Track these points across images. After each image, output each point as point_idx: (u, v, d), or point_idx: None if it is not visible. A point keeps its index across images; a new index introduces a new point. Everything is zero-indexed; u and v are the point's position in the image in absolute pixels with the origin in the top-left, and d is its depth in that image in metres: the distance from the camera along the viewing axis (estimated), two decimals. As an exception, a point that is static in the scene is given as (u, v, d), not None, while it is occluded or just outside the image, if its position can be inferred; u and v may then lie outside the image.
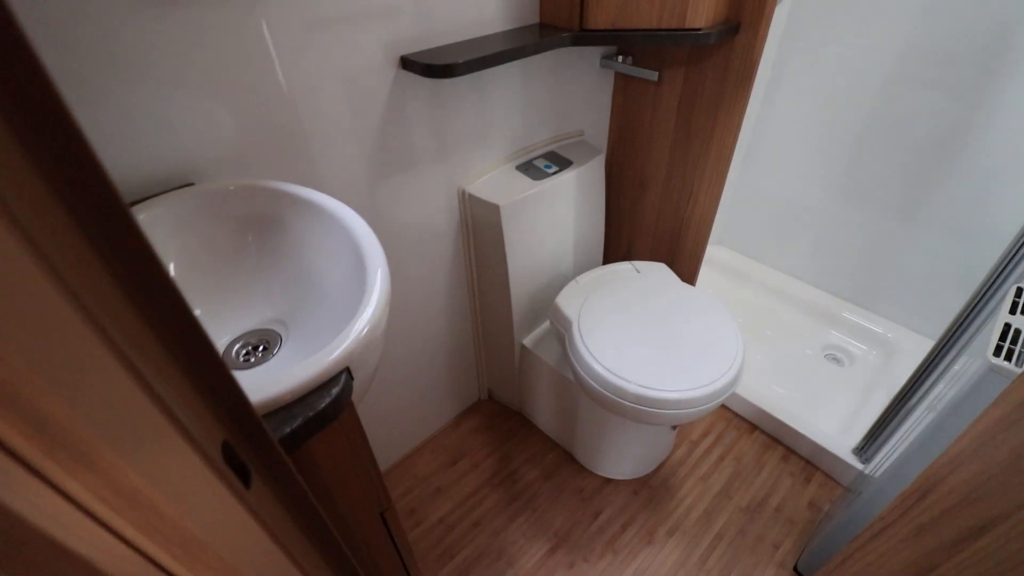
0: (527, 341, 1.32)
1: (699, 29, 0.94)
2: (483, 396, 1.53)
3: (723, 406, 1.49)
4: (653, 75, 1.15)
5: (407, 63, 0.85)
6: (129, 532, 0.24)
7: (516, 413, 1.49)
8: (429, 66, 0.82)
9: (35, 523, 0.23)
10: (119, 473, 0.22)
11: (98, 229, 0.18)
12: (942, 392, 0.95)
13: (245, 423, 0.26)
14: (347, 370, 0.41)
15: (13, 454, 0.20)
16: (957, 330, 0.96)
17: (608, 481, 1.31)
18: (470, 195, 1.08)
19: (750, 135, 1.69)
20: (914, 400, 1.09)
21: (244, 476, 0.26)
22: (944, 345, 0.99)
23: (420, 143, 0.96)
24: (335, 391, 0.38)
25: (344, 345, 0.41)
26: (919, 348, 1.51)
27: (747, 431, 1.42)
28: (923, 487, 0.55)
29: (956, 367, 0.97)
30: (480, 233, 1.14)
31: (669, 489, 1.29)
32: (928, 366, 1.04)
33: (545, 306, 1.33)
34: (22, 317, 0.18)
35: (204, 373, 0.23)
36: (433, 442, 1.41)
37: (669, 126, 1.21)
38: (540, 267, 1.24)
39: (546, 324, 1.37)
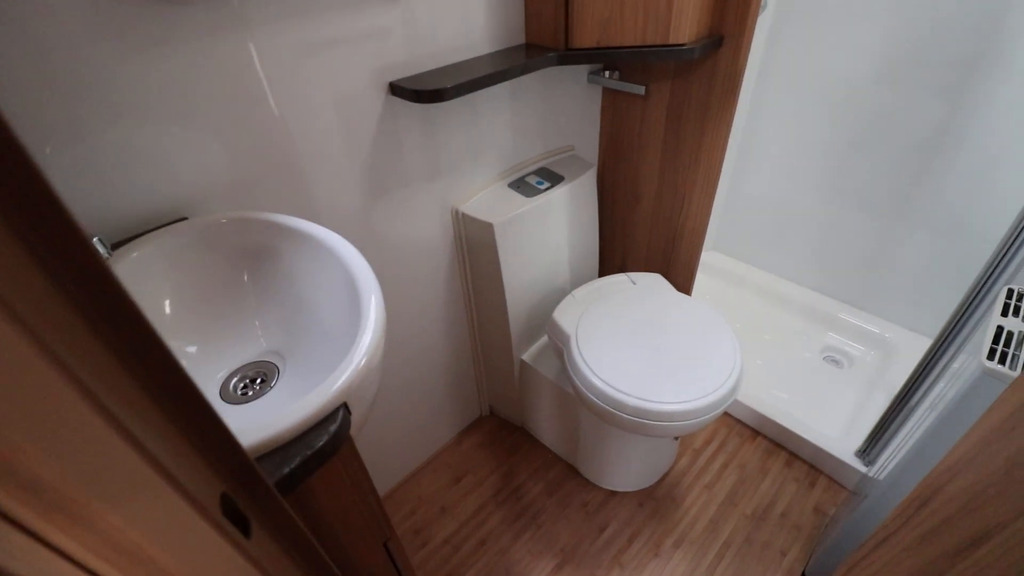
0: (526, 356, 1.32)
1: (683, 44, 0.95)
2: (484, 412, 1.53)
3: (725, 413, 1.49)
4: (640, 89, 1.16)
5: (396, 89, 0.86)
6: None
7: (518, 428, 1.49)
8: (418, 92, 0.83)
9: (36, 586, 0.23)
10: (118, 532, 0.23)
11: (76, 287, 0.18)
12: (943, 391, 0.95)
13: (241, 471, 0.26)
14: (344, 405, 0.41)
15: (12, 520, 0.21)
16: (951, 332, 0.97)
17: (613, 494, 1.31)
18: (463, 214, 1.09)
19: (739, 141, 1.71)
20: (914, 400, 1.10)
21: (244, 526, 0.26)
22: (940, 347, 1.00)
23: (412, 165, 0.97)
24: (333, 428, 0.39)
25: (341, 381, 0.41)
26: (918, 347, 1.52)
27: (749, 437, 1.42)
28: (923, 495, 0.55)
29: (956, 365, 0.98)
30: (475, 251, 1.15)
31: (674, 499, 1.29)
32: (925, 367, 1.04)
33: (542, 321, 1.34)
34: (10, 387, 0.18)
35: (198, 426, 0.23)
36: (436, 461, 1.41)
37: (658, 138, 1.22)
38: (536, 282, 1.25)
39: (545, 338, 1.37)
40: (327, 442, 0.38)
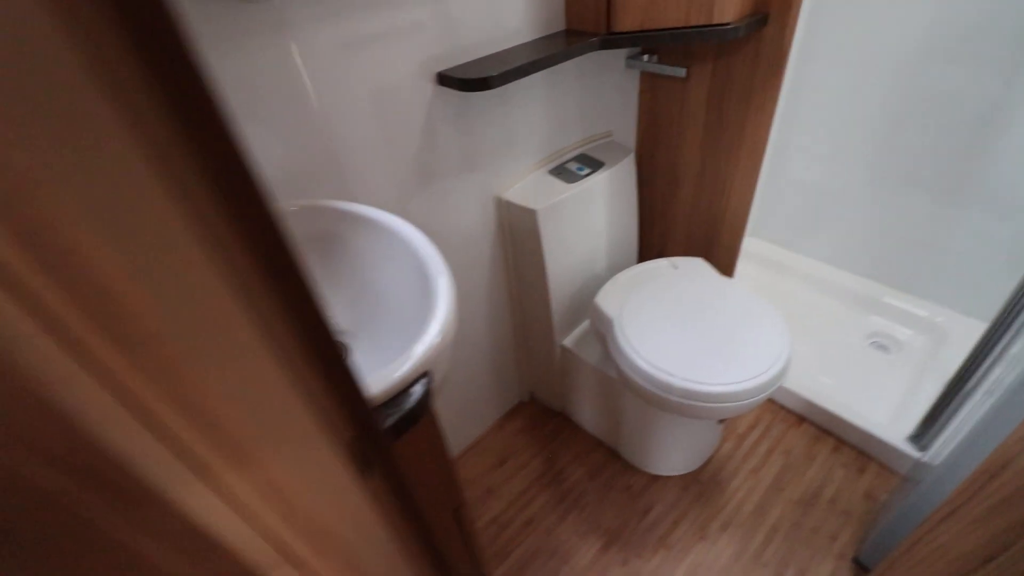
0: (567, 342, 1.34)
1: (727, 24, 0.95)
2: (525, 398, 1.55)
3: (768, 399, 1.47)
4: (680, 72, 1.15)
5: (443, 79, 0.88)
6: (274, 522, 0.27)
7: (558, 414, 1.51)
8: (465, 80, 0.85)
9: (197, 511, 0.26)
10: (270, 469, 0.25)
11: (262, 249, 0.21)
12: (1001, 376, 0.93)
13: (364, 422, 0.28)
14: (428, 373, 0.44)
15: (190, 455, 0.24)
16: (1010, 315, 0.94)
17: (656, 478, 1.32)
18: (506, 201, 1.11)
19: (778, 122, 1.67)
20: (970, 385, 1.06)
21: (366, 470, 0.28)
22: (997, 330, 0.97)
23: (454, 155, 0.99)
24: (420, 393, 0.41)
25: (424, 348, 0.43)
26: (971, 331, 1.47)
27: (794, 423, 1.41)
28: (992, 468, 0.54)
29: (1014, 350, 0.95)
30: (517, 238, 1.16)
31: (719, 484, 1.29)
32: (982, 351, 1.01)
33: (583, 306, 1.35)
34: (210, 337, 0.21)
35: (337, 379, 0.25)
36: (479, 445, 1.44)
37: (699, 121, 1.21)
38: (577, 268, 1.26)
39: (585, 324, 1.38)
40: (416, 405, 0.40)
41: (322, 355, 0.24)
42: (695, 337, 1.05)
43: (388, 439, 0.30)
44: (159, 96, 0.16)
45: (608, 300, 1.19)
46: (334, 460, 0.26)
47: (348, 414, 0.26)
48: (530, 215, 1.08)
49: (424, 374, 0.43)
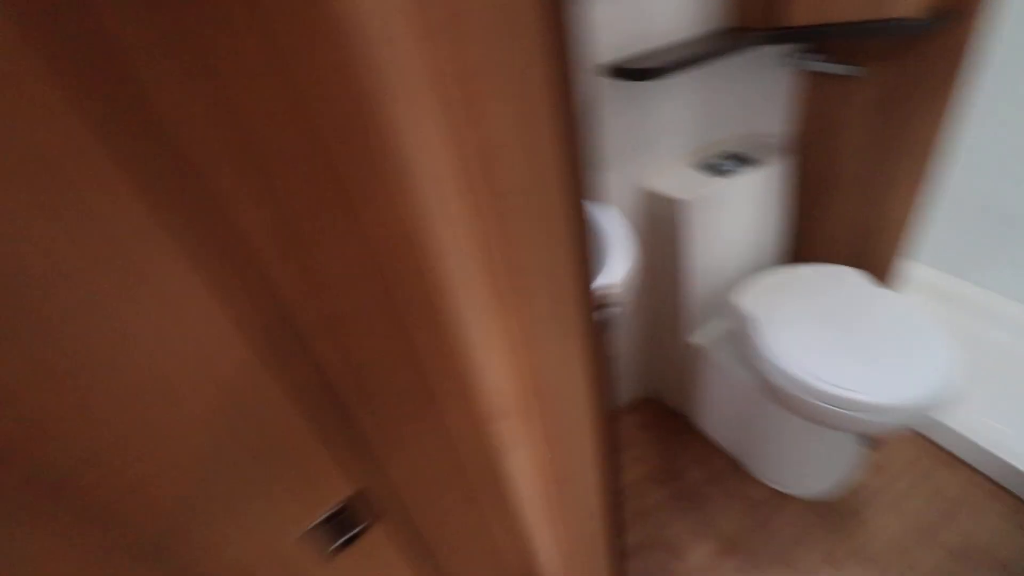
0: (695, 339, 1.32)
1: (910, 18, 0.90)
2: (645, 395, 1.55)
3: (924, 437, 1.32)
4: (848, 70, 1.11)
5: (614, 69, 0.94)
6: (520, 373, 0.34)
7: (679, 415, 1.49)
8: (635, 70, 0.90)
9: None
10: (534, 321, 0.33)
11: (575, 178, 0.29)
12: None
13: (591, 304, 0.35)
14: (612, 305, 0.50)
15: (489, 292, 0.31)
16: None
17: (782, 495, 1.25)
18: (651, 192, 1.14)
19: (966, 132, 1.51)
20: None
21: (589, 350, 0.35)
22: None
23: (603, 146, 1.04)
24: (603, 317, 0.47)
25: (618, 273, 0.50)
26: None
27: (954, 466, 1.25)
28: None
29: None
30: (657, 228, 1.18)
31: (853, 513, 1.19)
32: None
33: (715, 304, 1.32)
34: (533, 201, 0.29)
35: (583, 257, 0.32)
36: (593, 434, 1.47)
37: (864, 124, 1.15)
38: (715, 264, 1.24)
39: (714, 323, 1.36)
40: (604, 320, 0.46)
41: (580, 235, 0.31)
42: (845, 343, 1.00)
43: (603, 328, 0.36)
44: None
45: (748, 298, 1.17)
46: (573, 330, 0.33)
47: (585, 292, 0.33)
48: (677, 205, 1.10)
49: (607, 304, 0.49)
